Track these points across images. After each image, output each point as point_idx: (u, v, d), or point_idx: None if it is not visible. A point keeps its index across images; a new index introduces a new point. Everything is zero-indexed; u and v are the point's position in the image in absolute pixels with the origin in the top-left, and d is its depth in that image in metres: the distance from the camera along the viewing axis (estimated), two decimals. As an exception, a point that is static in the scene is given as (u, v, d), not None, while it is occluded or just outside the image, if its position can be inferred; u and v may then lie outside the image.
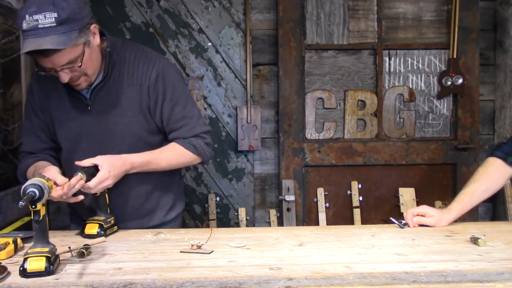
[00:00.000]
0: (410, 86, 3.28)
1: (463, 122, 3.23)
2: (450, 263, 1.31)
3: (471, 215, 2.99)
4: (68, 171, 1.71)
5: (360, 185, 3.21)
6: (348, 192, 3.22)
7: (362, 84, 3.28)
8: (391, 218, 1.77)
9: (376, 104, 3.25)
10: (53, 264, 1.24)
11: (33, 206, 1.25)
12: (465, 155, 3.24)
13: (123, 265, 1.32)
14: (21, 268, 1.23)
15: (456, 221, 1.75)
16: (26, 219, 2.58)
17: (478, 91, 3.23)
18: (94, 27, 1.58)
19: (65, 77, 1.53)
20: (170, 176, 1.86)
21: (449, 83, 3.21)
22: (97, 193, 1.64)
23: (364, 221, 3.16)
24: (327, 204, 3.19)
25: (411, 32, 3.27)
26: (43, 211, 1.27)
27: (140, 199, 1.80)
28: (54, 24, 1.42)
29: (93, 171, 1.58)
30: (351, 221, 3.18)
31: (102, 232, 1.60)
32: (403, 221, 1.73)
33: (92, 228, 1.61)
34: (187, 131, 1.77)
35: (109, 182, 1.59)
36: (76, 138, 1.73)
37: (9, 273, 1.25)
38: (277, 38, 3.16)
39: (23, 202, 1.20)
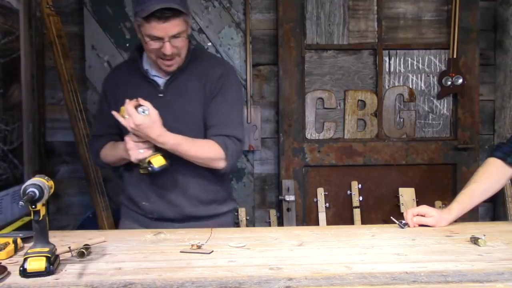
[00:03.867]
0: (410, 86, 3.28)
1: (463, 122, 3.23)
2: (450, 263, 1.31)
3: (471, 215, 2.99)
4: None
5: (360, 185, 3.21)
6: (348, 192, 3.22)
7: (362, 84, 3.28)
8: (391, 218, 1.77)
9: (376, 104, 3.25)
10: (53, 264, 1.24)
11: (33, 206, 1.25)
12: (465, 155, 3.24)
13: (123, 265, 1.32)
14: (21, 268, 1.23)
15: (456, 221, 1.75)
16: (26, 219, 2.58)
17: (478, 91, 3.23)
18: (190, 20, 1.83)
19: (170, 48, 1.74)
20: (221, 176, 1.94)
21: (449, 83, 3.21)
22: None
23: (364, 221, 3.16)
24: (327, 204, 3.19)
25: (411, 32, 3.27)
26: (43, 211, 1.27)
27: (197, 190, 1.89)
28: None
29: None
30: (351, 221, 3.18)
31: (167, 163, 1.74)
32: (403, 221, 1.73)
33: (159, 160, 1.73)
34: (224, 129, 1.87)
35: (139, 123, 1.66)
36: None
37: (9, 273, 1.25)
38: (277, 38, 3.16)
39: (23, 202, 1.20)
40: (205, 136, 1.88)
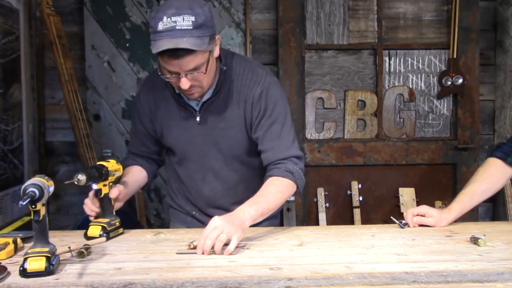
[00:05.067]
0: (410, 86, 3.28)
1: (463, 122, 3.23)
2: (450, 263, 1.30)
3: (471, 215, 2.99)
4: (180, 174, 1.85)
5: (360, 185, 3.21)
6: (348, 192, 3.22)
7: (362, 84, 3.28)
8: (391, 217, 1.77)
9: (376, 104, 3.25)
10: (53, 264, 1.24)
11: (33, 206, 1.25)
12: (465, 155, 3.24)
13: (123, 265, 1.31)
14: (21, 268, 1.23)
15: (456, 221, 1.75)
16: (26, 219, 2.58)
17: (478, 91, 3.23)
18: (218, 38, 1.61)
19: (186, 83, 1.54)
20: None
21: (449, 83, 3.21)
22: None
23: (364, 221, 3.16)
24: (327, 204, 3.19)
25: (411, 32, 3.27)
26: (43, 211, 1.27)
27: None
28: (191, 27, 1.46)
29: (96, 172, 1.57)
30: (351, 221, 3.18)
31: (105, 234, 1.59)
32: (403, 221, 1.73)
33: (94, 230, 1.60)
34: (280, 152, 1.73)
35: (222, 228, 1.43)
36: (183, 147, 1.78)
37: (9, 273, 1.25)
38: (277, 38, 3.16)
39: (23, 202, 1.20)
40: (258, 157, 1.76)
